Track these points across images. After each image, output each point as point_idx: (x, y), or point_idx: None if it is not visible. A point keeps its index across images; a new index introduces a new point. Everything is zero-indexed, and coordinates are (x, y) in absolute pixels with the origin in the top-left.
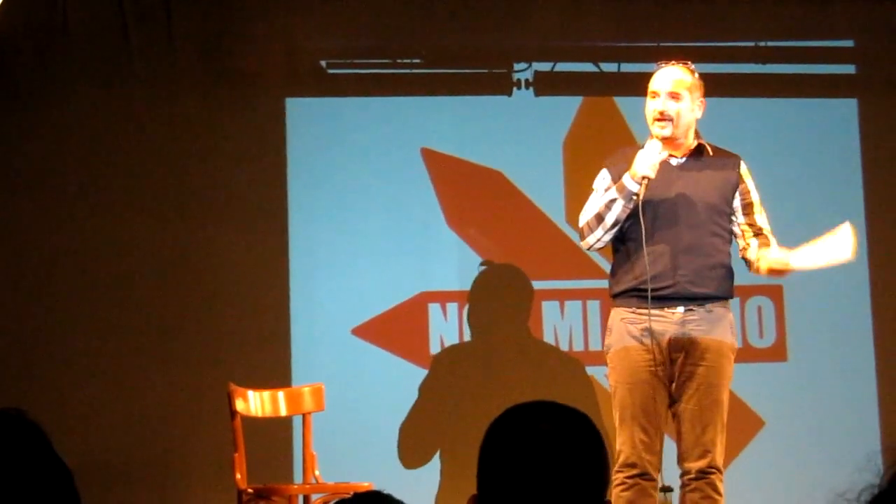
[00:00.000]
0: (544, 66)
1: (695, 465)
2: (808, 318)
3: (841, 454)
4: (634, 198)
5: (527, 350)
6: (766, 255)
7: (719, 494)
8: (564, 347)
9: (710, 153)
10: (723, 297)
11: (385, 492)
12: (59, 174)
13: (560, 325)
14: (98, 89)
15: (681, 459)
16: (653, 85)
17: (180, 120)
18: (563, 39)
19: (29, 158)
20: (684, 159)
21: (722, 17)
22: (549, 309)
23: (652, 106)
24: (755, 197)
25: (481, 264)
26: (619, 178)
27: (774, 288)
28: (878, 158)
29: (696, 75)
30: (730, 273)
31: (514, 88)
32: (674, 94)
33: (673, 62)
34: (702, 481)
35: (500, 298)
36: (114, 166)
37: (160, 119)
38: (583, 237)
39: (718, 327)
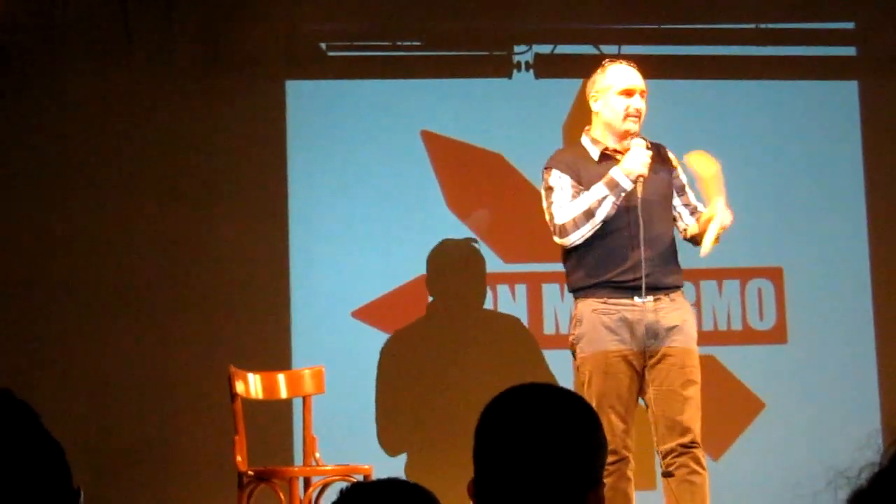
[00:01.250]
0: (545, 49)
1: (675, 445)
2: (808, 300)
3: (841, 435)
4: (623, 194)
5: (485, 336)
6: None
7: (703, 468)
8: (564, 330)
9: (648, 144)
10: (680, 285)
11: (384, 477)
12: (59, 159)
13: (560, 307)
14: (97, 74)
15: (661, 441)
16: (623, 82)
17: (180, 103)
18: (564, 22)
19: (28, 144)
20: (650, 153)
21: None
22: (549, 292)
23: (628, 103)
24: (684, 178)
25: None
26: (575, 175)
27: (774, 270)
28: (878, 140)
29: None
30: (678, 260)
31: (515, 71)
32: (643, 92)
33: (621, 61)
34: (685, 456)
35: (455, 276)
36: (113, 151)
37: (160, 103)
38: (564, 234)
39: (684, 314)
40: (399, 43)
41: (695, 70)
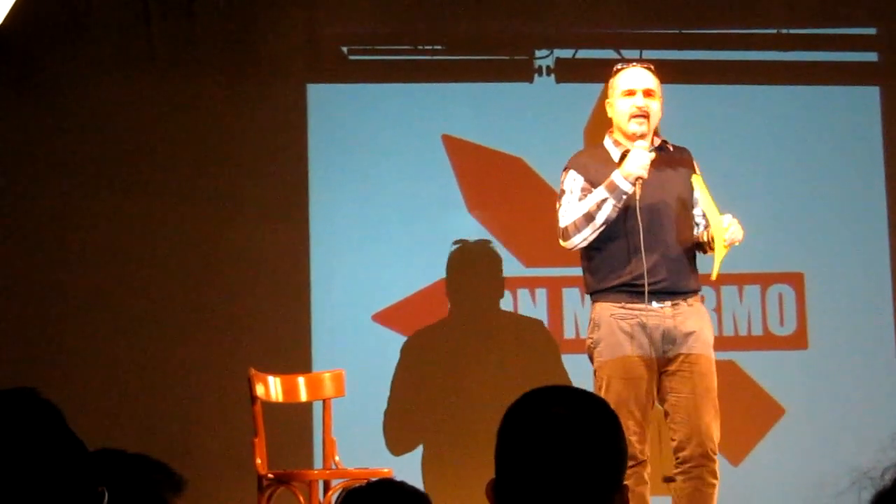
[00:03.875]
0: (566, 53)
1: (695, 452)
2: (829, 306)
3: (861, 442)
4: (625, 197)
5: (505, 340)
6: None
7: (716, 479)
8: (584, 334)
9: (670, 148)
10: (698, 290)
11: (399, 479)
12: (80, 162)
13: (580, 311)
14: (119, 78)
15: (679, 448)
16: (626, 84)
17: (202, 106)
18: (585, 26)
19: (50, 147)
20: (652, 155)
21: (744, 3)
22: (569, 296)
23: (630, 102)
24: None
25: (454, 242)
26: (590, 177)
27: (795, 276)
28: None
29: (658, 76)
30: (696, 266)
31: (536, 75)
32: (649, 91)
33: (635, 63)
34: (702, 468)
35: (474, 279)
36: (133, 152)
37: (181, 105)
38: (566, 237)
39: (702, 319)
40: (420, 47)
41: (716, 75)
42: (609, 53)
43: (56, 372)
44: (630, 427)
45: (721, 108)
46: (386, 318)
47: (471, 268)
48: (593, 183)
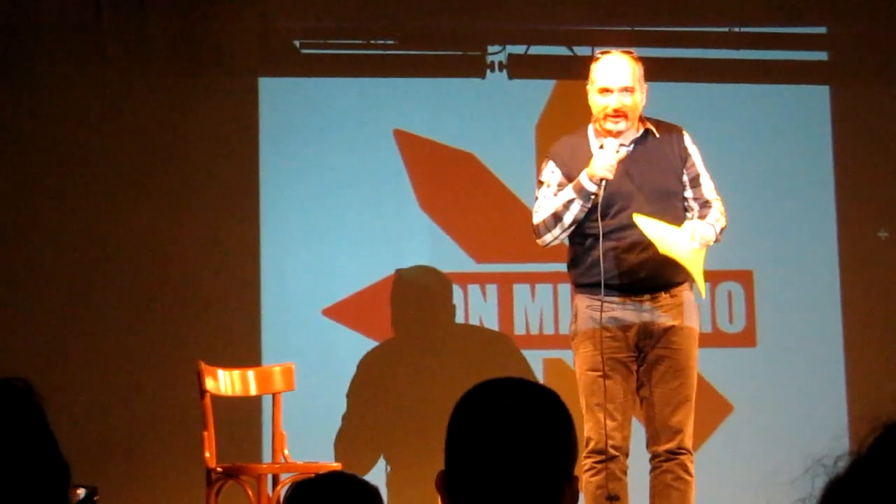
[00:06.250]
0: (518, 49)
1: (665, 447)
2: (777, 304)
3: (808, 439)
4: (593, 197)
5: (454, 335)
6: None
7: (690, 475)
8: (535, 331)
9: (656, 134)
10: (684, 281)
11: (349, 472)
12: (26, 154)
13: (531, 307)
14: (68, 68)
15: (650, 443)
16: (603, 80)
17: (152, 99)
18: (538, 22)
19: None
20: (632, 146)
21: (696, 1)
22: (519, 292)
23: (604, 102)
24: (700, 167)
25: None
26: (569, 171)
27: (744, 273)
28: (849, 146)
29: (640, 62)
30: None
31: (488, 71)
32: (627, 88)
33: (613, 50)
34: (672, 462)
35: (419, 288)
36: (83, 146)
37: (131, 98)
38: (538, 235)
39: (684, 312)
40: (373, 41)
41: (667, 72)
42: (562, 50)
43: (1, 365)
44: (599, 420)
45: (671, 105)
46: (336, 312)
47: (421, 266)
48: (569, 178)
